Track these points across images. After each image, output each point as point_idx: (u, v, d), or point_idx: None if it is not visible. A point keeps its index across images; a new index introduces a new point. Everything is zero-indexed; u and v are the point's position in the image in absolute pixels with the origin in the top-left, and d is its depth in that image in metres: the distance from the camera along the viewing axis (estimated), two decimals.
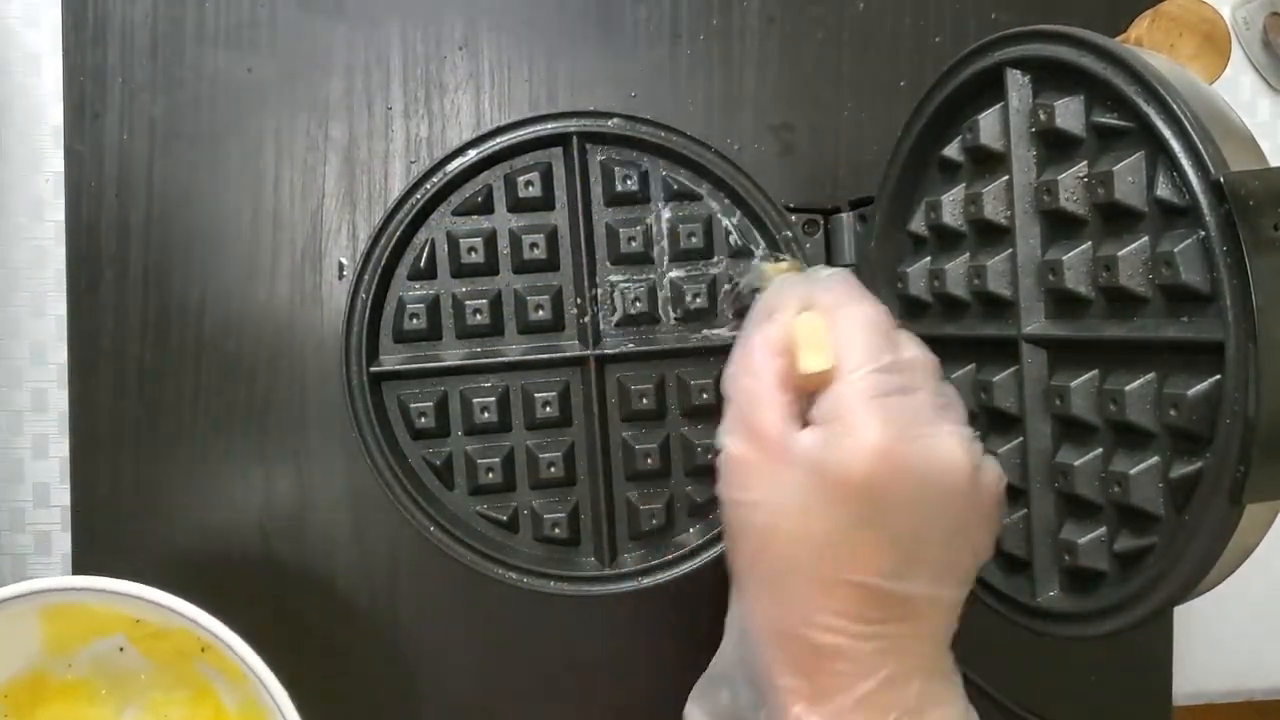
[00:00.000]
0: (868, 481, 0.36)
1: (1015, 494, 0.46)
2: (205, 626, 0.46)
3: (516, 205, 0.53)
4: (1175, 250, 0.37)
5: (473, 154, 0.53)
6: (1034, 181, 0.44)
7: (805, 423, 0.39)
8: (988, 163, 0.47)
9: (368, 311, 0.52)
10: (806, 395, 0.39)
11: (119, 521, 0.57)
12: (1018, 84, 0.44)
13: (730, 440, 0.40)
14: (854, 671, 0.37)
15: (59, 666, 0.51)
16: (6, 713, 0.50)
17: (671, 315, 0.54)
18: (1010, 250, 0.45)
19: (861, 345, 0.39)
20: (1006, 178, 0.45)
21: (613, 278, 0.54)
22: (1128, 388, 0.40)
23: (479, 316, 0.53)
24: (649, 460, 0.53)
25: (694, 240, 0.54)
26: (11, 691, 0.50)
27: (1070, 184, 0.42)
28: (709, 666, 0.43)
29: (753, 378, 0.40)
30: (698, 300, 0.54)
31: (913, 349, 0.41)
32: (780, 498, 0.38)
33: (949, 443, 0.38)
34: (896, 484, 0.37)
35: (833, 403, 0.38)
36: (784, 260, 0.52)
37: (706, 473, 0.54)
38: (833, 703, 0.37)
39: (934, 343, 0.51)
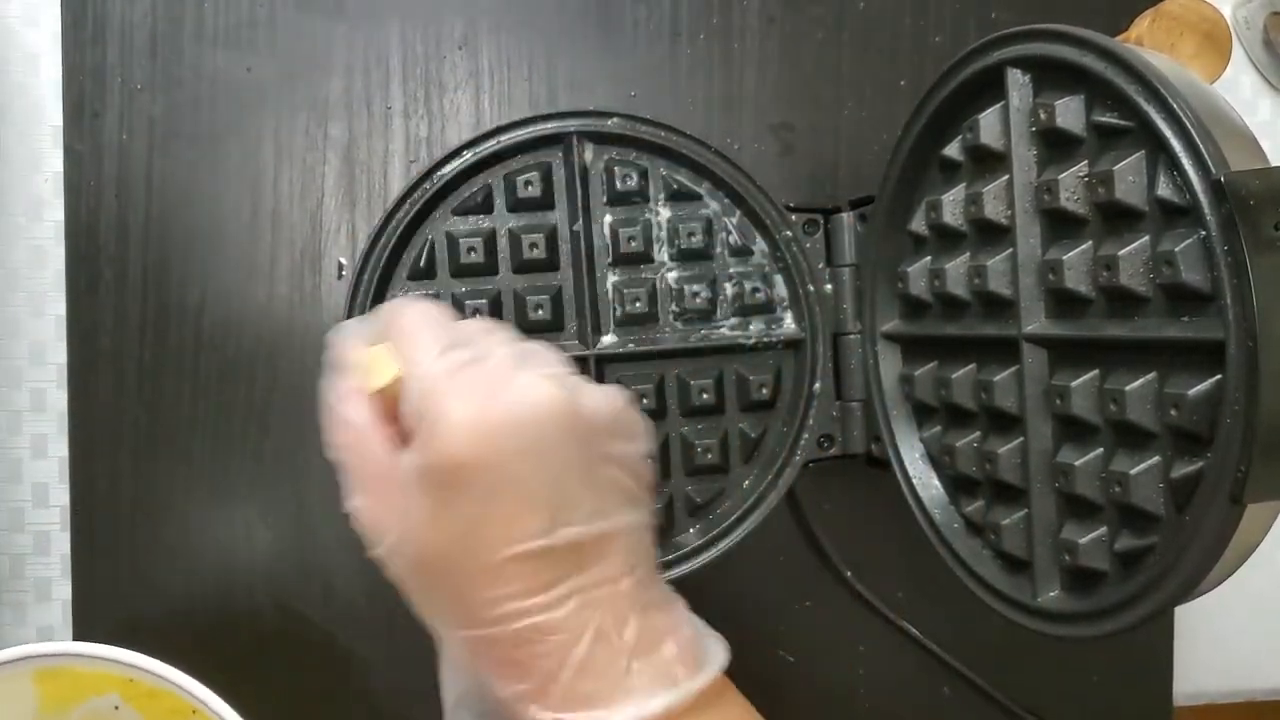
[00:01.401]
0: (473, 455, 0.35)
1: (1016, 494, 0.47)
2: (192, 693, 0.46)
3: (516, 205, 0.53)
4: (1176, 250, 0.37)
5: (472, 154, 0.53)
6: (1034, 181, 0.44)
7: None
8: (988, 162, 0.47)
9: (367, 312, 0.52)
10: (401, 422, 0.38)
11: (118, 521, 0.57)
12: (1018, 83, 0.44)
13: (353, 501, 0.38)
14: (562, 642, 0.36)
15: None
16: None
17: (671, 315, 0.54)
18: (1011, 250, 0.45)
19: (419, 340, 0.38)
20: (1007, 177, 0.45)
21: (612, 278, 0.54)
22: (1128, 387, 0.40)
23: (478, 316, 0.53)
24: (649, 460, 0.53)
25: (694, 240, 0.54)
26: None
27: (1071, 183, 0.42)
28: None
29: (344, 429, 0.38)
30: (698, 300, 0.54)
31: (473, 325, 0.40)
32: (412, 521, 0.36)
33: (532, 385, 0.36)
34: (500, 445, 0.35)
35: (413, 403, 0.36)
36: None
37: (707, 472, 0.54)
38: (558, 684, 0.36)
39: (934, 342, 0.51)
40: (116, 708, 0.51)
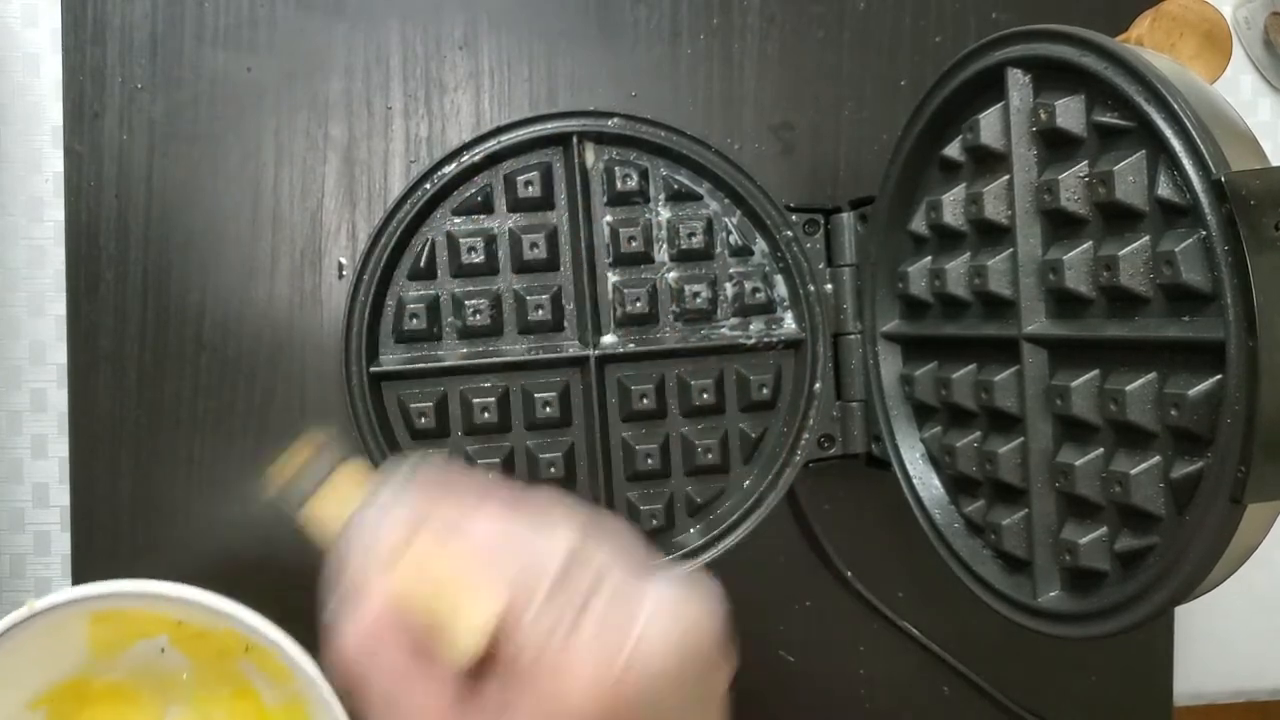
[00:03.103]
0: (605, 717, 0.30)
1: (1016, 494, 0.47)
2: (257, 629, 0.46)
3: (516, 205, 0.53)
4: (1176, 250, 0.37)
5: (471, 154, 0.53)
6: (1035, 181, 0.44)
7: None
8: (988, 162, 0.47)
9: (367, 311, 0.52)
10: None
11: (118, 521, 0.57)
12: (1019, 83, 0.44)
13: None
14: None
15: (102, 670, 0.51)
16: (50, 718, 0.51)
17: (671, 315, 0.54)
18: (1011, 250, 0.45)
19: (511, 580, 0.31)
20: (1007, 177, 0.45)
21: (613, 278, 0.54)
22: (1129, 388, 0.40)
23: (479, 317, 0.53)
24: (649, 460, 0.53)
25: (694, 240, 0.54)
26: (56, 696, 0.51)
27: (1071, 183, 0.42)
28: None
29: (388, 662, 0.32)
30: (698, 300, 0.54)
31: (564, 527, 0.33)
32: None
33: (662, 636, 0.31)
34: (629, 705, 0.31)
35: (518, 653, 0.31)
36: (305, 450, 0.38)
37: (707, 472, 0.54)
38: None
39: (934, 342, 0.51)
40: (163, 650, 0.51)
